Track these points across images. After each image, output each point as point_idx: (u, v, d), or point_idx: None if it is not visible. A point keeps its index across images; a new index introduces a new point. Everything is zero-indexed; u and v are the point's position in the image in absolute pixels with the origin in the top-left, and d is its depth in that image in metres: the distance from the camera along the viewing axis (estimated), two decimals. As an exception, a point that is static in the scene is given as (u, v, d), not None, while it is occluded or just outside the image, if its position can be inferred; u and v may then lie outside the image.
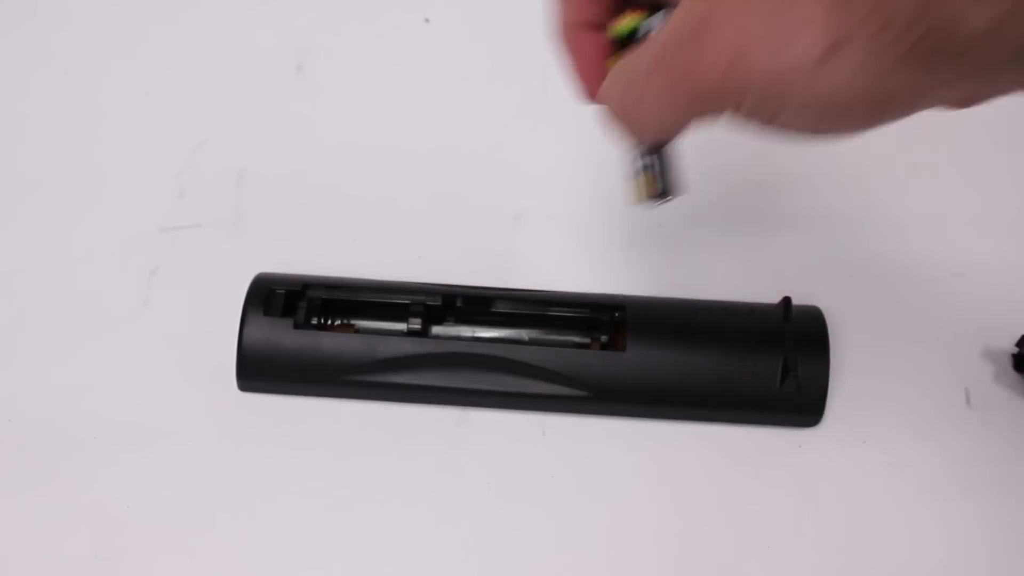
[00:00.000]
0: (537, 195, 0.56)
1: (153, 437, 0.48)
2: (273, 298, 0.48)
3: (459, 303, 0.49)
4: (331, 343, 0.47)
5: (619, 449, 0.48)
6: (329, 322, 0.49)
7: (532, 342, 0.49)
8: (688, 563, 0.45)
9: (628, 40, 0.35)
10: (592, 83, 0.38)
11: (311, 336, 0.48)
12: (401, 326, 0.49)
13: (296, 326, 0.48)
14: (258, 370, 0.48)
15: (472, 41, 0.61)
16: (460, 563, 0.45)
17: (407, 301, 0.49)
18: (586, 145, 0.58)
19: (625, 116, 0.35)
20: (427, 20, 0.62)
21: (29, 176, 0.56)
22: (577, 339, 0.49)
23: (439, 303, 0.49)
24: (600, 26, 0.37)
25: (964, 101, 0.31)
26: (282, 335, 0.48)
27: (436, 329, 0.49)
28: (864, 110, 0.30)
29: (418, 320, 0.48)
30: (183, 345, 0.50)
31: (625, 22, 0.35)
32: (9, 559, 0.45)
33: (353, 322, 0.50)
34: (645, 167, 0.37)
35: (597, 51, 0.37)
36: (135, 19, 0.62)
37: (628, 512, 0.46)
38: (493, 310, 0.49)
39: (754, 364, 0.47)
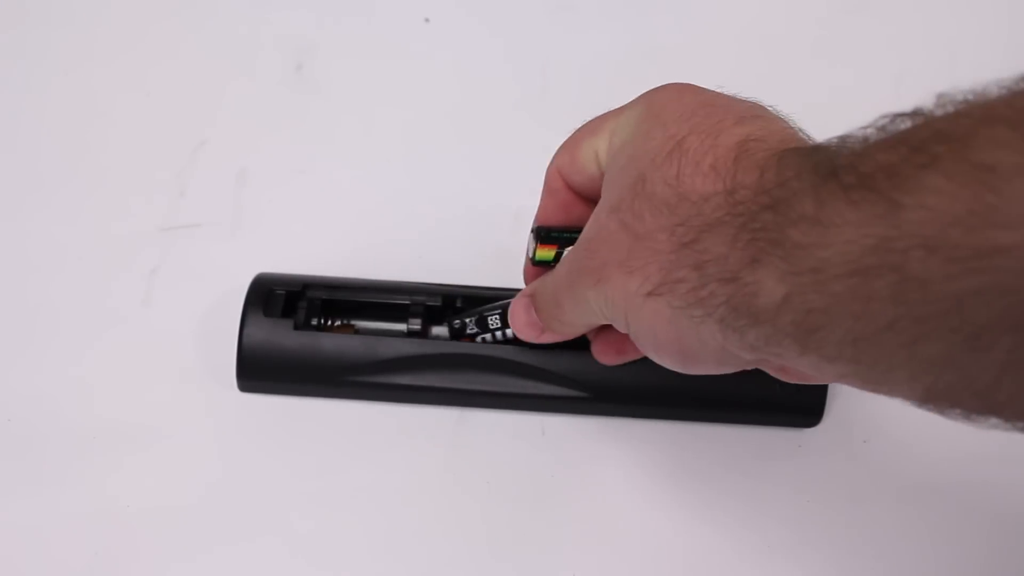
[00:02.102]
0: (537, 195, 0.55)
1: (153, 437, 0.48)
2: (273, 298, 0.48)
3: (459, 303, 0.49)
4: (331, 344, 0.47)
5: (619, 449, 0.48)
6: (329, 322, 0.49)
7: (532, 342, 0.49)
8: (688, 563, 0.45)
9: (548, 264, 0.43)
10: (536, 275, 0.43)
11: (311, 336, 0.48)
12: (401, 326, 0.48)
13: (296, 327, 0.48)
14: (258, 370, 0.48)
15: (472, 41, 0.61)
16: (460, 563, 0.45)
17: (407, 301, 0.49)
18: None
19: (549, 309, 0.41)
20: (427, 20, 0.62)
21: (29, 176, 0.56)
22: (577, 339, 0.49)
23: (439, 303, 0.49)
24: None
25: (783, 372, 0.37)
26: (282, 336, 0.47)
27: (436, 329, 0.49)
28: (678, 350, 0.35)
29: (418, 320, 0.48)
30: (183, 345, 0.50)
31: (544, 251, 0.43)
32: (9, 559, 0.45)
33: (353, 322, 0.50)
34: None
35: None
36: (134, 19, 0.62)
37: (628, 512, 0.46)
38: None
39: (754, 364, 0.47)
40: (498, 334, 0.47)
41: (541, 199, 0.44)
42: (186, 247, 0.54)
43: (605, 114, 0.40)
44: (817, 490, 0.47)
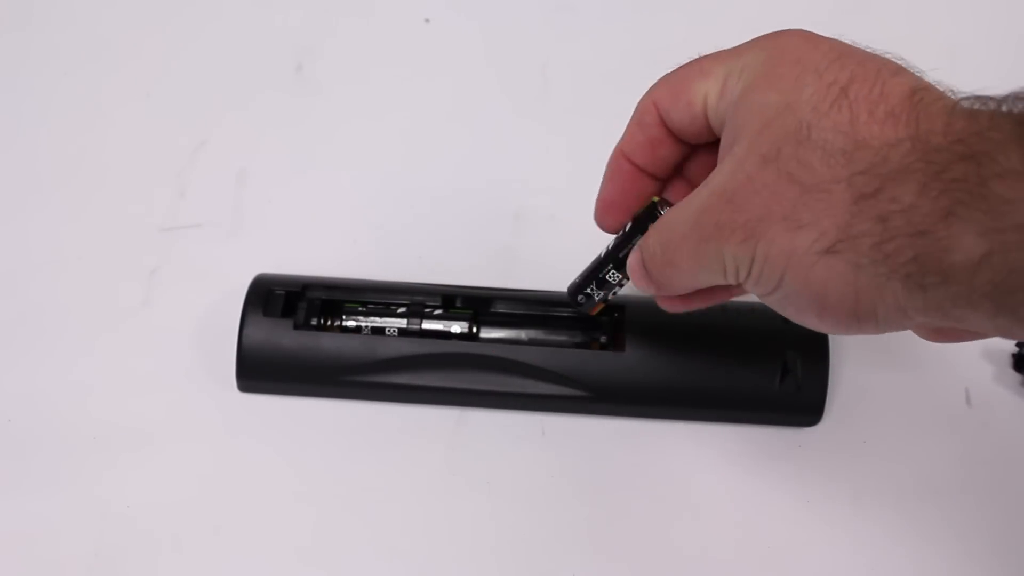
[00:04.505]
0: (537, 195, 0.56)
1: (153, 437, 0.48)
2: (273, 299, 0.48)
3: (459, 303, 0.49)
4: (331, 343, 0.47)
5: (619, 449, 0.48)
6: (329, 322, 0.49)
7: (532, 342, 0.49)
8: (688, 563, 0.45)
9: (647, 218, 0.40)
10: (607, 207, 0.42)
11: (311, 336, 0.48)
12: (401, 323, 0.48)
13: (296, 327, 0.48)
14: (258, 371, 0.48)
15: (472, 41, 0.61)
16: (460, 563, 0.45)
17: (407, 301, 0.49)
18: (586, 145, 0.57)
19: (659, 269, 0.38)
20: (427, 20, 0.62)
21: (29, 176, 0.56)
22: (577, 339, 0.49)
23: (439, 303, 0.49)
24: (643, 171, 0.41)
25: (939, 334, 0.35)
26: (282, 336, 0.48)
27: (432, 325, 0.49)
28: (850, 312, 0.32)
29: (417, 320, 0.48)
30: (183, 345, 0.50)
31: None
32: (9, 559, 0.45)
33: (353, 322, 0.50)
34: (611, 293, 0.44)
35: (628, 185, 0.41)
36: (135, 19, 0.62)
37: (628, 512, 0.46)
38: (493, 310, 0.49)
39: (754, 364, 0.47)
40: (622, 289, 0.44)
41: (628, 129, 0.41)
42: (186, 247, 0.54)
43: (716, 54, 0.38)
44: (817, 490, 0.47)
